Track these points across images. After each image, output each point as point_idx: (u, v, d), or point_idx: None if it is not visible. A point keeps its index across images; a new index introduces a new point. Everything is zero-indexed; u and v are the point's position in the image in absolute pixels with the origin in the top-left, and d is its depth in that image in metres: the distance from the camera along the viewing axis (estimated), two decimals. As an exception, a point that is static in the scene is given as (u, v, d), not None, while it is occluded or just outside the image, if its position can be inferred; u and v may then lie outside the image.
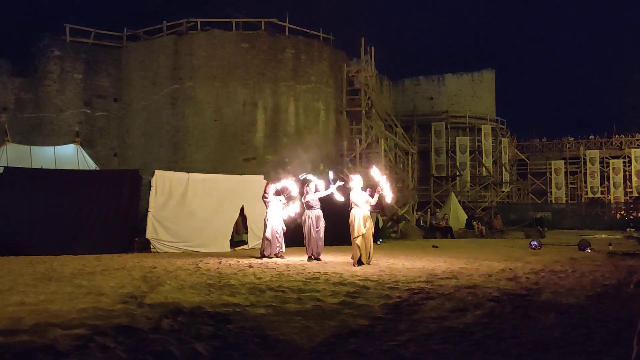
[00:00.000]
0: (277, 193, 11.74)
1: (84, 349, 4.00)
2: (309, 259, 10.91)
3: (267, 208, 11.74)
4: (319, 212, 11.19)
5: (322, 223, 11.16)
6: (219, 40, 19.37)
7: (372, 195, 10.43)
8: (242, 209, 14.22)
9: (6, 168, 12.37)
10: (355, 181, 10.42)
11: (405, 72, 35.43)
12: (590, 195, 36.76)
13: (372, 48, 22.74)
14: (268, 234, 11.50)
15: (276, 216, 11.59)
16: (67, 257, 11.08)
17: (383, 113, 24.59)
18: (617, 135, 37.95)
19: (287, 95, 19.68)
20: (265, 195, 11.77)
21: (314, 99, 20.22)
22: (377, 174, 10.66)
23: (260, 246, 12.25)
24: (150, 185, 13.44)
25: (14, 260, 10.46)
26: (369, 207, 10.41)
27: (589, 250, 13.30)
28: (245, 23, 19.98)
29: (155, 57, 19.61)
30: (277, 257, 11.38)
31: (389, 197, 10.65)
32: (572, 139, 38.79)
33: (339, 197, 11.06)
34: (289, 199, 11.63)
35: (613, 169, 36.55)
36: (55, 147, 15.36)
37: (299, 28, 20.52)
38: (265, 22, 19.91)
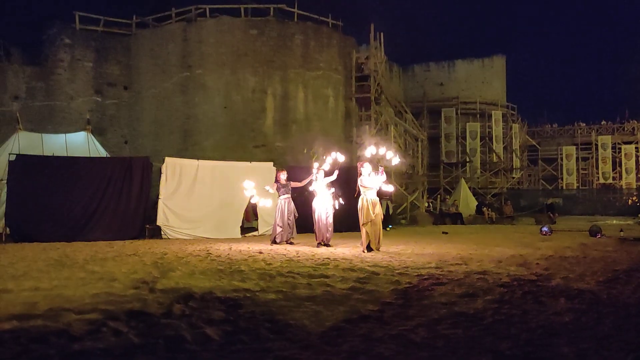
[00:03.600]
0: (287, 180, 11.81)
1: (97, 333, 4.06)
2: (319, 245, 10.95)
3: (278, 196, 11.78)
4: (329, 198, 11.20)
5: (331, 209, 11.19)
6: (228, 26, 19.31)
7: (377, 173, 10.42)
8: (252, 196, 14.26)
9: (18, 156, 12.47)
10: (365, 168, 10.40)
11: (415, 58, 35.23)
12: (601, 181, 36.47)
13: (382, 34, 22.59)
14: (279, 221, 11.54)
15: (288, 203, 11.64)
16: (80, 244, 11.20)
17: (393, 99, 24.46)
18: (629, 121, 37.54)
19: (296, 82, 19.63)
20: (276, 182, 11.81)
21: (323, 85, 20.15)
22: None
23: (270, 233, 12.30)
24: (160, 172, 13.51)
25: (27, 247, 10.59)
26: (377, 189, 10.39)
27: (600, 236, 13.23)
28: (254, 9, 19.90)
29: (165, 45, 19.61)
30: (287, 243, 11.44)
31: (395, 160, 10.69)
32: (584, 124, 38.42)
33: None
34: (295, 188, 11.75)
35: (625, 154, 36.22)
36: (67, 134, 15.46)
37: (307, 14, 20.40)
38: (274, 8, 19.81)
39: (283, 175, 11.89)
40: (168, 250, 9.93)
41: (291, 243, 11.45)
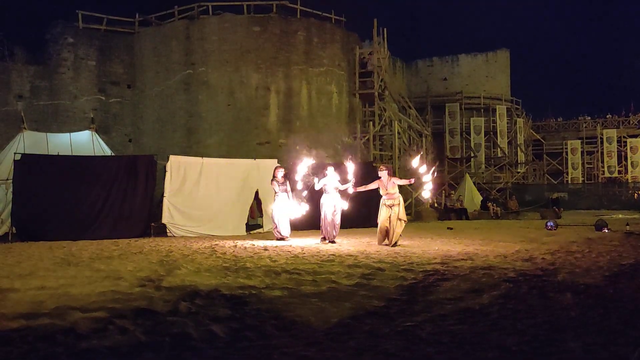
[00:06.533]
0: (284, 177, 11.85)
1: (104, 331, 4.07)
2: (322, 239, 11.03)
3: (275, 192, 11.83)
4: (337, 196, 11.26)
5: (339, 207, 11.23)
6: (231, 24, 19.30)
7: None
8: (256, 193, 14.29)
9: (23, 155, 12.51)
10: (382, 173, 10.62)
11: (418, 53, 35.25)
12: (607, 175, 36.33)
13: (385, 29, 22.52)
14: (275, 217, 11.65)
15: (283, 200, 11.70)
16: (85, 242, 11.23)
17: (396, 95, 24.43)
18: (635, 114, 37.35)
19: (299, 78, 19.60)
20: (274, 178, 11.83)
21: (326, 82, 20.12)
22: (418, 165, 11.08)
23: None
24: (165, 171, 13.53)
25: (33, 246, 10.64)
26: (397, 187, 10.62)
27: (606, 231, 13.19)
28: (256, 6, 19.86)
29: (168, 43, 19.62)
30: (279, 239, 11.51)
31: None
32: (589, 118, 38.26)
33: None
34: (293, 189, 11.78)
35: (631, 148, 36.06)
36: (71, 133, 15.51)
37: (310, 10, 20.36)
38: (277, 5, 19.77)
39: (280, 173, 11.89)
40: (173, 248, 9.96)
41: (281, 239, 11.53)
